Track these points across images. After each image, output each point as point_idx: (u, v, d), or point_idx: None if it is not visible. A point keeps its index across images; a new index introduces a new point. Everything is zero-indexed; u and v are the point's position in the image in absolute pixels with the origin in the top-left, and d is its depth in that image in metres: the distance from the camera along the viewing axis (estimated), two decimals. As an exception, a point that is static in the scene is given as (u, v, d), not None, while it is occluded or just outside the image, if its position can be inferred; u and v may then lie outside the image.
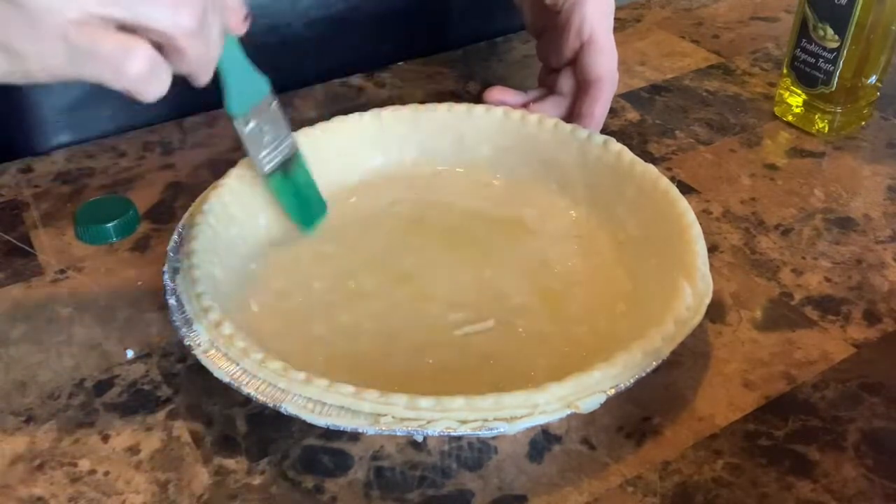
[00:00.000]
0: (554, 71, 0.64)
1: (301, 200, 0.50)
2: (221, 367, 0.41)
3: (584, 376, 0.39)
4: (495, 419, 0.38)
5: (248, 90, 0.45)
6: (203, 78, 0.39)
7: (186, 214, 0.51)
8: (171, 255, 0.48)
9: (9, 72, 0.35)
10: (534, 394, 0.38)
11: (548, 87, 0.65)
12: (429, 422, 0.38)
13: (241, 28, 0.42)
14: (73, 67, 0.35)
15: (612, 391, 0.40)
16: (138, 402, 0.44)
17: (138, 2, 0.34)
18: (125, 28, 0.35)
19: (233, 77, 0.44)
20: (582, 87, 0.61)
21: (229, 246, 0.49)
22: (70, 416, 0.44)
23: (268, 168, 0.48)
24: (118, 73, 0.35)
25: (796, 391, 0.45)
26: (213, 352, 0.41)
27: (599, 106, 0.60)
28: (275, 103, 0.46)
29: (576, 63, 0.61)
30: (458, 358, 0.46)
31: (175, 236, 0.49)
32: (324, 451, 0.42)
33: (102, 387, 0.45)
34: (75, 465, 0.41)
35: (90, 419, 0.44)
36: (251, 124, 0.45)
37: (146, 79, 0.36)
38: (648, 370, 0.41)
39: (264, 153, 0.47)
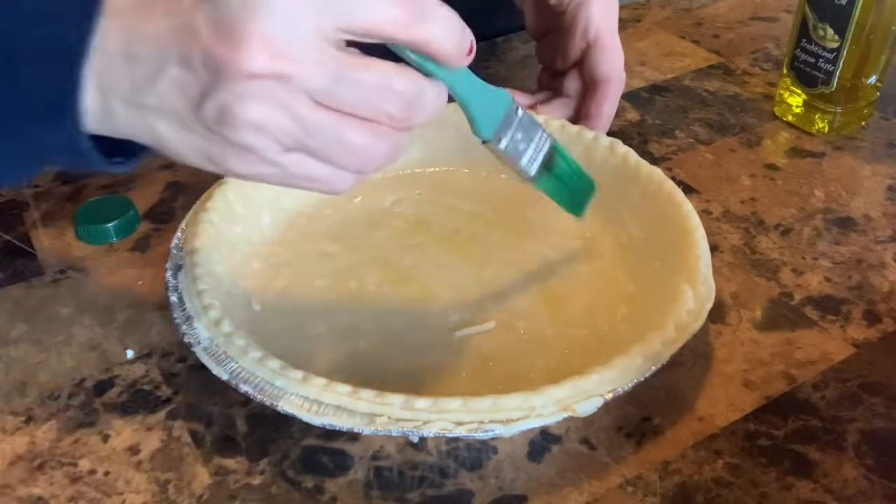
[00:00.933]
0: (558, 73, 0.64)
1: (570, 189, 0.48)
2: (220, 365, 0.41)
3: (581, 380, 0.39)
4: (492, 421, 0.38)
5: (491, 110, 0.42)
6: (428, 115, 0.37)
7: (190, 212, 0.51)
8: (174, 252, 0.48)
9: (228, 175, 0.37)
10: (531, 396, 0.38)
11: (552, 89, 0.65)
12: (425, 422, 0.38)
13: (466, 62, 0.39)
14: (288, 181, 0.35)
15: (610, 395, 0.40)
16: (138, 402, 0.44)
17: (331, 145, 0.34)
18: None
19: (474, 102, 0.41)
20: (589, 88, 0.61)
21: (232, 244, 0.50)
22: (70, 416, 0.44)
23: (533, 173, 0.45)
24: (327, 189, 0.36)
25: (796, 391, 0.45)
26: (212, 349, 0.42)
27: (607, 106, 0.60)
28: (519, 110, 0.43)
29: (582, 64, 0.61)
30: (458, 359, 0.46)
31: (178, 233, 0.49)
32: (323, 451, 0.42)
33: (102, 387, 0.45)
34: (75, 465, 0.41)
35: (90, 419, 0.44)
36: (503, 141, 0.43)
37: (345, 185, 0.36)
38: (647, 374, 0.41)
39: (524, 161, 0.44)
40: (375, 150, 0.35)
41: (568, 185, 0.48)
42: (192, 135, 0.33)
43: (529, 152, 0.45)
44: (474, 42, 0.37)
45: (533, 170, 0.45)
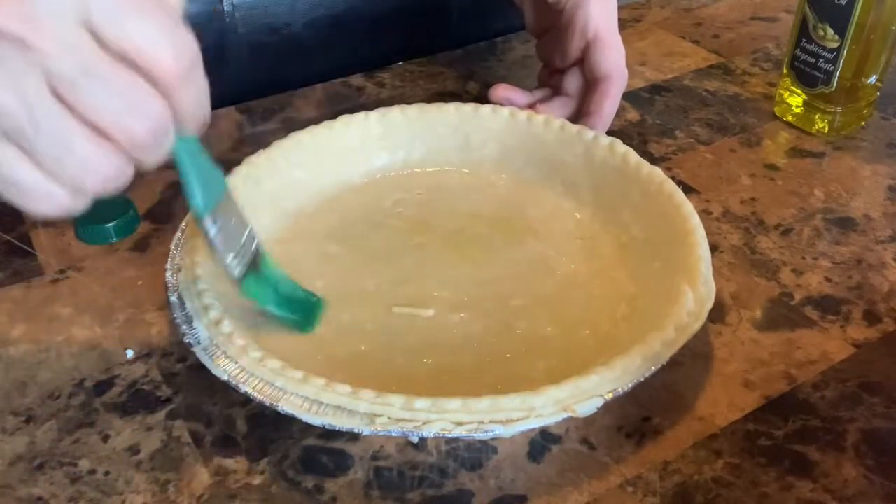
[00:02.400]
0: (558, 72, 0.64)
1: (285, 299, 0.45)
2: (220, 365, 0.41)
3: (581, 380, 0.39)
4: (491, 421, 0.38)
5: (211, 186, 0.39)
6: (159, 157, 0.33)
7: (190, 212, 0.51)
8: (174, 252, 0.48)
9: None
10: (531, 397, 0.38)
11: (552, 87, 0.65)
12: (425, 423, 0.38)
13: (198, 131, 0.35)
14: None
15: (610, 395, 0.40)
16: (138, 402, 0.44)
17: (63, 153, 0.29)
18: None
19: (196, 173, 0.38)
20: (591, 86, 0.61)
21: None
22: (70, 416, 0.44)
23: (237, 271, 0.42)
24: (38, 209, 0.31)
25: (796, 391, 0.45)
26: (212, 349, 0.42)
27: (608, 103, 0.60)
28: (233, 198, 0.41)
29: (583, 62, 0.61)
30: (458, 359, 0.45)
31: (179, 233, 0.49)
32: (323, 451, 0.42)
33: (102, 387, 0.45)
34: (75, 465, 0.41)
35: (90, 419, 0.44)
36: (218, 223, 0.40)
37: (41, 199, 0.31)
38: (647, 375, 0.41)
39: (232, 257, 0.41)
40: (102, 167, 0.30)
41: (280, 293, 0.44)
42: None
43: (238, 248, 0.41)
44: (209, 117, 0.34)
45: (237, 270, 0.42)
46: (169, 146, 0.33)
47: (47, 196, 0.30)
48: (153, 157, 0.32)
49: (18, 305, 0.51)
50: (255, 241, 0.43)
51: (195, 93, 0.32)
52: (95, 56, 0.29)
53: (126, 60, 0.29)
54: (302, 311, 0.46)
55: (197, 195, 0.38)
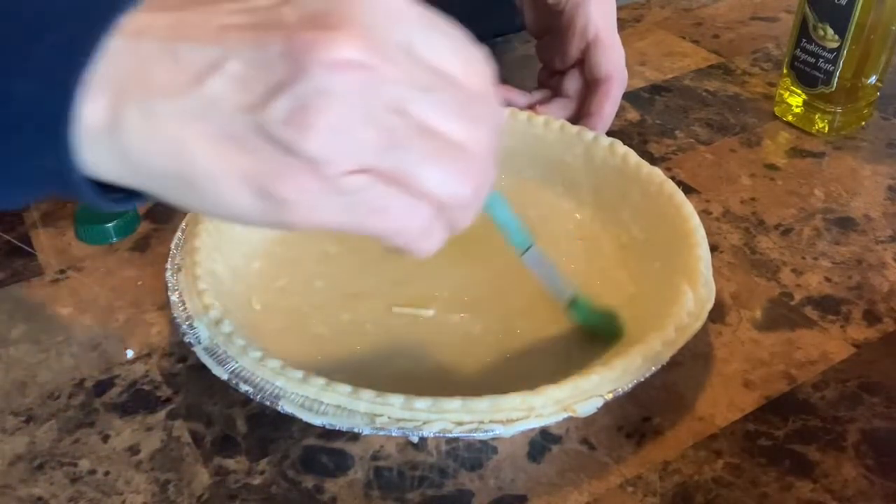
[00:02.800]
0: (557, 73, 0.64)
1: (601, 322, 0.47)
2: (220, 365, 0.41)
3: (581, 380, 0.39)
4: (491, 421, 0.38)
5: (521, 226, 0.45)
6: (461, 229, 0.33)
7: (191, 212, 0.51)
8: (175, 252, 0.48)
9: (266, 220, 0.29)
10: (530, 396, 0.38)
11: (552, 88, 0.65)
12: (425, 423, 0.38)
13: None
14: (349, 217, 0.30)
15: (610, 395, 0.40)
16: (138, 402, 0.44)
17: (418, 162, 0.29)
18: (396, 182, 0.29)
19: (505, 209, 0.44)
20: (591, 87, 0.61)
21: (232, 244, 0.49)
22: (70, 416, 0.44)
23: (563, 298, 0.46)
24: (401, 228, 0.30)
25: (796, 391, 0.45)
26: (212, 349, 0.42)
27: (608, 104, 0.60)
28: (541, 250, 0.45)
29: (583, 63, 0.61)
30: (458, 359, 0.45)
31: (179, 233, 0.49)
32: (324, 451, 0.42)
33: (102, 387, 0.45)
34: (75, 465, 0.41)
35: (90, 419, 0.44)
36: (537, 258, 0.45)
37: (426, 235, 0.31)
38: (647, 375, 0.41)
39: (555, 287, 0.46)
40: (471, 172, 0.30)
41: (595, 318, 0.47)
42: (239, 149, 0.27)
43: (556, 281, 0.46)
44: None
45: (561, 295, 0.46)
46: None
47: (416, 216, 0.30)
48: (488, 174, 0.32)
49: (18, 305, 0.51)
50: (573, 288, 0.47)
51: (497, 121, 0.32)
52: (435, 83, 0.29)
53: (446, 79, 0.29)
54: (608, 326, 0.47)
55: (518, 230, 0.45)
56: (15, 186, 0.30)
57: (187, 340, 0.42)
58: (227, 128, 0.27)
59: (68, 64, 0.26)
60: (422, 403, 0.38)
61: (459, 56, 0.30)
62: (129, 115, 0.27)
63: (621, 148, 0.55)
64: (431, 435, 0.38)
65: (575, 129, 0.57)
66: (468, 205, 0.31)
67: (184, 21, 0.27)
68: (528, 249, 0.45)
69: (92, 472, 0.41)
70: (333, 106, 0.26)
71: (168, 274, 0.46)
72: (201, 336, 0.42)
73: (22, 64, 0.26)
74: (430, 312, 0.48)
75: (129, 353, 0.47)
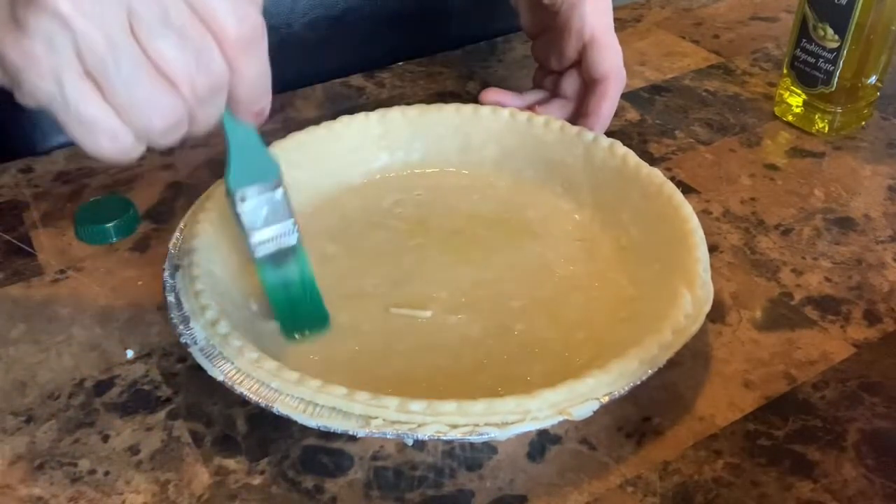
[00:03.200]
0: (554, 73, 0.64)
1: (289, 299, 0.46)
2: (216, 366, 0.41)
3: (577, 383, 0.39)
4: (486, 424, 0.38)
5: (253, 169, 0.43)
6: (211, 118, 0.36)
7: (189, 212, 0.51)
8: (173, 252, 0.48)
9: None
10: (526, 400, 0.38)
11: (550, 89, 0.65)
12: (420, 425, 0.38)
13: (255, 123, 0.39)
14: (61, 117, 0.32)
15: (606, 398, 0.39)
16: (138, 402, 0.44)
17: (128, 86, 0.32)
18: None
19: (238, 150, 0.42)
20: (588, 87, 0.61)
21: (231, 244, 0.49)
22: (70, 416, 0.44)
23: (259, 254, 0.45)
24: (96, 147, 0.33)
25: (796, 391, 0.45)
26: (209, 350, 0.42)
27: (606, 104, 0.60)
28: (281, 191, 0.44)
29: (580, 63, 0.61)
30: (456, 361, 0.45)
31: (177, 233, 0.49)
32: (323, 452, 0.42)
33: (102, 387, 0.45)
34: (75, 465, 0.41)
35: (90, 419, 0.44)
36: (247, 203, 0.43)
37: (111, 141, 0.33)
38: (644, 378, 0.41)
39: (257, 238, 0.44)
40: (167, 112, 0.32)
41: (289, 293, 0.46)
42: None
43: (267, 234, 0.44)
44: (268, 112, 0.37)
45: (259, 251, 0.44)
46: (220, 109, 0.35)
47: (112, 135, 0.32)
48: (206, 117, 0.34)
49: (18, 305, 0.51)
50: (294, 238, 0.45)
51: (255, 69, 0.35)
52: (175, 7, 0.31)
53: (199, 18, 0.32)
54: (299, 319, 0.47)
55: (230, 170, 0.42)
56: None
57: (184, 341, 0.42)
58: None
59: None
60: (417, 406, 0.38)
61: (219, 2, 0.32)
62: None
63: (621, 149, 0.55)
64: (426, 437, 0.38)
65: (575, 129, 0.57)
66: (166, 131, 0.34)
67: None
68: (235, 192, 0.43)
69: (92, 472, 0.41)
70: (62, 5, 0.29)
71: (166, 274, 0.46)
72: (197, 337, 0.42)
73: None
74: (428, 314, 0.48)
75: (129, 353, 0.47)
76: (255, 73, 0.35)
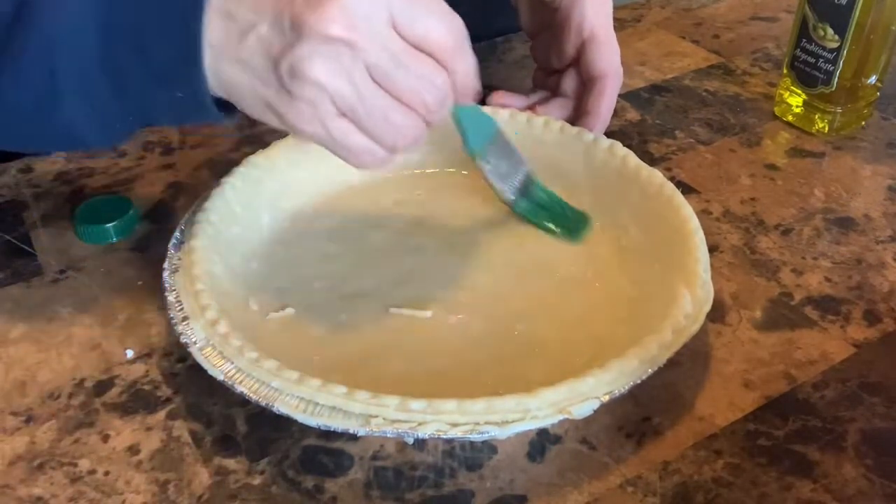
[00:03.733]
0: (555, 72, 0.64)
1: (551, 214, 0.54)
2: (216, 366, 0.41)
3: (577, 382, 0.39)
4: (487, 423, 0.38)
5: (481, 130, 0.50)
6: (443, 118, 0.43)
7: (189, 212, 0.51)
8: (173, 252, 0.48)
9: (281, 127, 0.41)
10: (526, 398, 0.38)
11: (548, 88, 0.65)
12: (420, 424, 0.38)
13: (470, 101, 0.45)
14: (328, 144, 0.41)
15: (607, 397, 0.39)
16: (138, 402, 0.44)
17: (376, 120, 0.40)
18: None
19: (467, 120, 0.49)
20: (587, 85, 0.61)
21: (230, 244, 0.49)
22: (70, 416, 0.44)
23: (510, 196, 0.53)
24: (359, 162, 0.42)
25: (796, 391, 0.45)
26: (208, 350, 0.41)
27: (605, 102, 0.60)
28: (504, 137, 0.51)
29: (579, 61, 0.61)
30: (456, 361, 0.45)
31: (177, 233, 0.49)
32: (323, 452, 0.42)
33: (102, 387, 0.45)
34: (75, 465, 0.41)
35: (90, 419, 0.44)
36: (490, 160, 0.51)
37: (371, 164, 0.42)
38: (644, 377, 0.41)
39: (504, 184, 0.53)
40: (409, 132, 0.41)
41: (550, 211, 0.54)
42: (265, 87, 0.39)
43: (509, 177, 0.53)
44: (480, 87, 0.44)
45: (510, 192, 0.53)
46: (449, 108, 0.42)
47: (371, 154, 0.41)
48: (439, 119, 0.42)
49: (18, 305, 0.51)
50: (526, 172, 0.54)
51: (466, 65, 0.42)
52: (400, 48, 0.39)
53: (419, 47, 0.39)
54: (568, 224, 0.54)
55: (470, 140, 0.50)
56: (140, 120, 0.42)
57: (183, 341, 0.42)
58: (257, 73, 0.39)
59: (193, 20, 0.38)
60: (417, 405, 0.38)
61: (430, 22, 0.40)
62: (204, 58, 0.38)
63: (621, 150, 0.55)
64: (426, 436, 0.38)
65: (574, 130, 0.57)
66: (411, 145, 0.42)
67: None
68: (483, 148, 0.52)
69: (92, 472, 0.41)
70: (317, 65, 0.37)
71: (165, 274, 0.46)
72: (197, 336, 0.42)
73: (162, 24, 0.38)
74: (428, 314, 0.48)
75: (129, 353, 0.47)
76: (469, 67, 0.42)
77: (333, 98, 0.38)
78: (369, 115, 0.39)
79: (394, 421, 0.38)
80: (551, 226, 0.54)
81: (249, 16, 0.38)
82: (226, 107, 0.41)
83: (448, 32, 0.40)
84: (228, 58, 0.39)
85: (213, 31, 0.38)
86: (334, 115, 0.39)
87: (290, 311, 0.48)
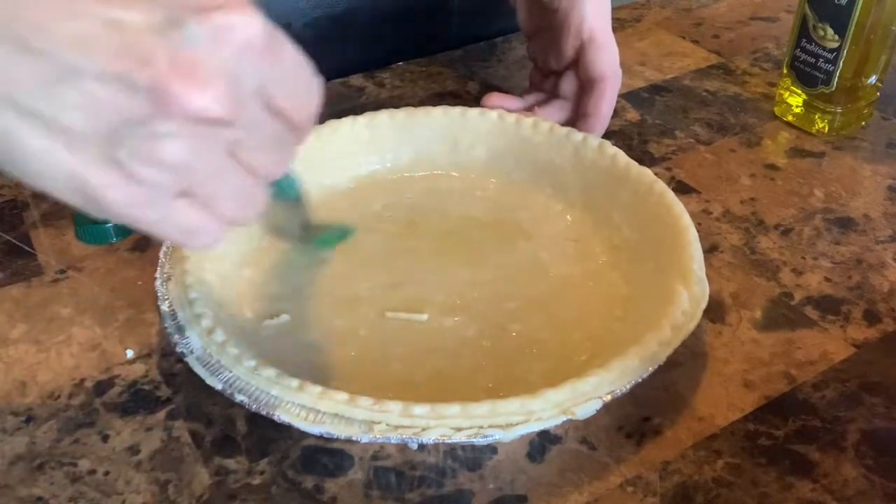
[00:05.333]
0: (552, 74, 0.64)
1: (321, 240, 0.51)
2: (214, 375, 0.40)
3: (579, 382, 0.39)
4: (490, 426, 0.38)
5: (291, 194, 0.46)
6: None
7: None
8: (164, 260, 0.48)
9: (78, 205, 0.32)
10: (529, 400, 0.38)
11: (545, 89, 0.65)
12: (424, 429, 0.38)
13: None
14: (151, 222, 0.33)
15: (609, 397, 0.39)
16: (138, 402, 0.44)
17: (226, 191, 0.33)
18: None
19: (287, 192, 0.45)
20: (586, 87, 0.61)
21: (222, 252, 0.49)
22: (70, 416, 0.44)
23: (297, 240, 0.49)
24: (188, 236, 0.34)
25: (796, 391, 0.45)
26: (205, 359, 0.41)
27: (605, 104, 0.60)
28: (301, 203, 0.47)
29: (577, 62, 0.61)
30: (454, 363, 0.45)
31: (168, 242, 0.49)
32: (323, 452, 0.42)
33: (102, 387, 0.45)
34: (75, 465, 0.41)
35: (90, 419, 0.44)
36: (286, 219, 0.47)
37: (205, 240, 0.35)
38: (644, 376, 0.41)
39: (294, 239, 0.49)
40: (252, 200, 0.35)
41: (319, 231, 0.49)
42: (77, 156, 0.29)
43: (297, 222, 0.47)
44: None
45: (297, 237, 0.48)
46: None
47: (207, 232, 0.34)
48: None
49: (18, 305, 0.51)
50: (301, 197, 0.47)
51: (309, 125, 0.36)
52: (261, 119, 0.32)
53: (277, 115, 0.33)
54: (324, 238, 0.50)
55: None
56: None
57: (179, 350, 0.42)
58: (70, 137, 0.29)
59: None
60: (420, 410, 0.38)
61: (295, 92, 0.34)
62: None
63: (610, 149, 0.55)
64: (431, 441, 0.37)
65: (564, 130, 0.57)
66: (253, 214, 0.35)
67: (50, 17, 0.28)
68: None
69: (92, 472, 0.41)
70: (178, 147, 0.30)
71: (158, 283, 0.46)
72: (194, 346, 0.42)
73: None
74: (424, 317, 0.48)
75: (129, 353, 0.47)
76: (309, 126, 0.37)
77: (179, 178, 0.31)
78: (217, 191, 0.32)
79: (397, 426, 0.38)
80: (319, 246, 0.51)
81: (70, 58, 0.27)
82: None
83: (313, 103, 0.35)
84: (20, 107, 0.28)
85: None
86: (172, 197, 0.31)
87: (285, 317, 0.48)
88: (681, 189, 0.60)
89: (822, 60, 0.64)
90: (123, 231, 0.56)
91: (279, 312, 0.48)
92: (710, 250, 0.54)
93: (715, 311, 0.50)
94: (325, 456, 0.42)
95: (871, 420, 0.44)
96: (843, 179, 0.62)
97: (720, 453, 0.42)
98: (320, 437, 0.42)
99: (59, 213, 0.58)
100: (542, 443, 0.42)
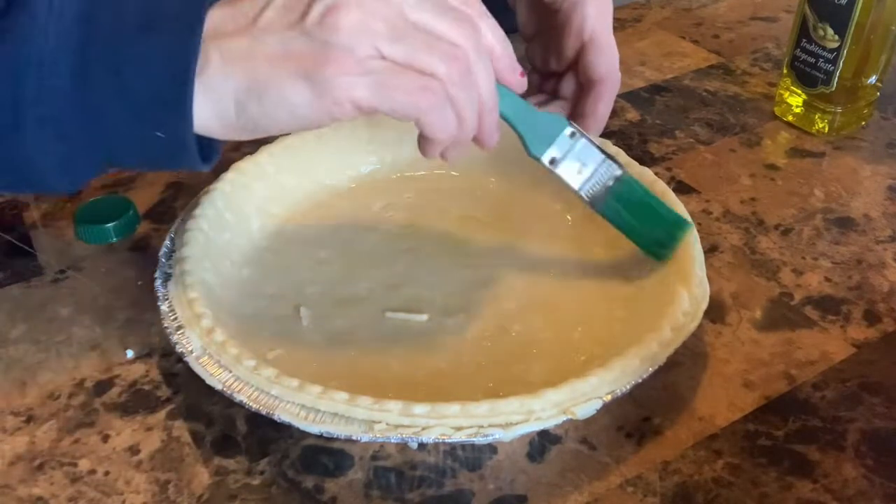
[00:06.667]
0: (550, 75, 0.64)
1: (635, 222, 0.49)
2: (214, 374, 0.40)
3: (580, 382, 0.39)
4: (490, 425, 0.38)
5: (542, 133, 0.48)
6: (488, 140, 0.44)
7: (178, 220, 0.50)
8: (163, 260, 0.48)
9: (319, 108, 0.37)
10: (529, 400, 0.38)
11: (544, 91, 0.65)
12: (423, 428, 0.38)
13: (518, 85, 0.45)
14: (377, 93, 0.37)
15: (609, 397, 0.39)
16: (138, 402, 0.44)
17: (419, 49, 0.38)
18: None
19: (521, 124, 0.47)
20: (584, 88, 0.61)
21: (222, 251, 0.49)
22: (70, 416, 0.44)
23: (588, 198, 0.49)
24: (415, 102, 0.38)
25: (796, 391, 0.45)
26: (205, 359, 0.41)
27: (602, 105, 0.60)
28: (579, 139, 0.48)
29: (577, 64, 0.61)
30: (454, 363, 0.45)
31: (167, 241, 0.49)
32: (323, 452, 0.42)
33: (102, 387, 0.45)
34: (75, 465, 0.41)
35: (90, 419, 0.44)
36: (556, 161, 0.48)
37: (437, 109, 0.39)
38: (645, 376, 0.41)
39: (580, 184, 0.48)
40: (452, 60, 0.38)
41: (640, 218, 0.49)
42: (290, 54, 0.36)
43: (586, 179, 0.48)
44: (525, 74, 0.44)
45: (588, 195, 0.48)
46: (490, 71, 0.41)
47: (432, 93, 0.38)
48: (478, 79, 0.40)
49: (18, 305, 0.51)
50: (614, 168, 0.48)
51: (496, 33, 0.42)
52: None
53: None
54: (658, 236, 0.49)
55: (526, 143, 0.48)
56: (121, 160, 0.39)
57: (179, 350, 0.42)
58: (281, 39, 0.36)
59: (184, 52, 0.35)
60: (420, 409, 0.38)
61: None
62: (212, 56, 0.36)
63: (611, 149, 0.55)
64: (431, 441, 0.37)
65: None
66: (462, 84, 0.39)
67: None
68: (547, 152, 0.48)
69: (92, 472, 0.41)
70: (352, 8, 0.36)
71: (157, 283, 0.46)
72: (194, 345, 0.42)
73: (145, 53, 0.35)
74: (424, 317, 0.48)
75: (129, 353, 0.47)
76: (500, 37, 0.42)
77: (372, 39, 0.37)
78: (411, 48, 0.37)
79: (397, 426, 0.38)
80: (630, 232, 0.50)
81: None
82: (203, 152, 0.38)
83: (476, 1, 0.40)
84: (237, 36, 0.36)
85: (219, 21, 0.36)
86: (377, 58, 0.37)
87: (304, 311, 0.48)
88: (681, 189, 0.60)
89: (822, 60, 0.64)
90: (123, 231, 0.56)
91: (279, 313, 0.48)
92: (710, 250, 0.54)
93: (715, 311, 0.50)
94: (325, 456, 0.42)
95: (871, 420, 0.44)
96: (843, 179, 0.62)
97: (720, 453, 0.42)
98: (320, 437, 0.42)
99: (59, 213, 0.58)
100: (542, 443, 0.42)
